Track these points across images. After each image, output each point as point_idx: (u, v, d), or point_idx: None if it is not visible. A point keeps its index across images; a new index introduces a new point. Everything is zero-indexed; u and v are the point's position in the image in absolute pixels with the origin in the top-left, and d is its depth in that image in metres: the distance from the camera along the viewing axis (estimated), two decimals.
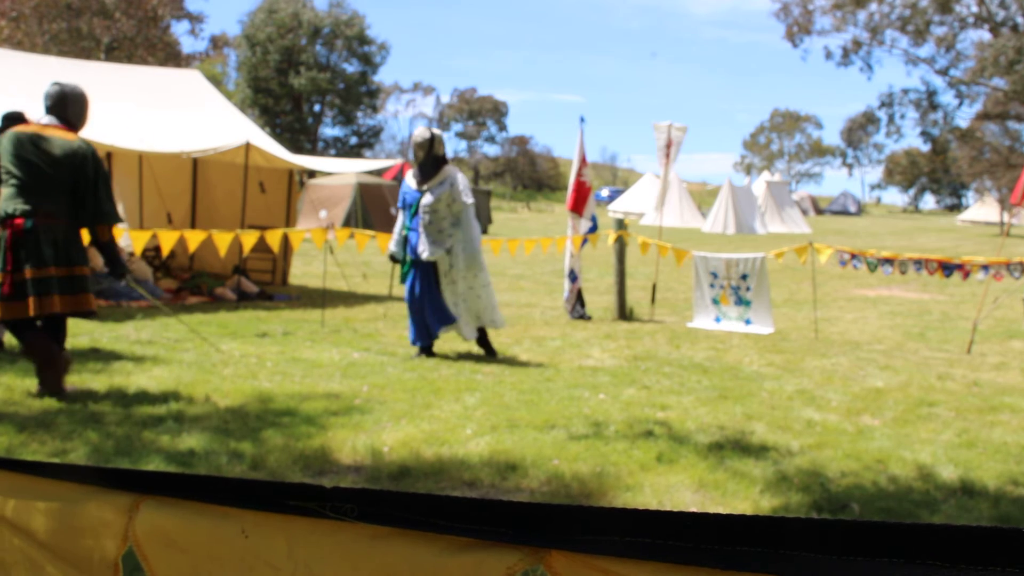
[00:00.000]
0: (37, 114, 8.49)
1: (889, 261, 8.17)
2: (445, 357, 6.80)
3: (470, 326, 6.74)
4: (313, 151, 50.91)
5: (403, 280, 6.79)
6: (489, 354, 6.89)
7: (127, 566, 0.95)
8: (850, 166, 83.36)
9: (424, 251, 6.52)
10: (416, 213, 6.58)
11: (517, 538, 0.73)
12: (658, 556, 0.68)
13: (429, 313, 6.63)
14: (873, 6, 35.29)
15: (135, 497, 0.90)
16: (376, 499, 0.77)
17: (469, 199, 6.55)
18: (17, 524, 0.96)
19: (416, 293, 6.64)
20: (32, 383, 5.33)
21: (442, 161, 6.57)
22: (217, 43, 52.55)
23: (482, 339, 6.89)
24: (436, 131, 6.61)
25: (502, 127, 77.80)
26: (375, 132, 58.17)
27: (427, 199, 6.47)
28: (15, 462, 0.96)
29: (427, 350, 6.75)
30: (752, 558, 0.65)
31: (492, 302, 6.78)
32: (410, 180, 6.67)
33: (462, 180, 6.57)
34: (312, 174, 24.27)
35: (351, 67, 54.75)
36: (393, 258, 6.95)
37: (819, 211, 55.53)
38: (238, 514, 0.85)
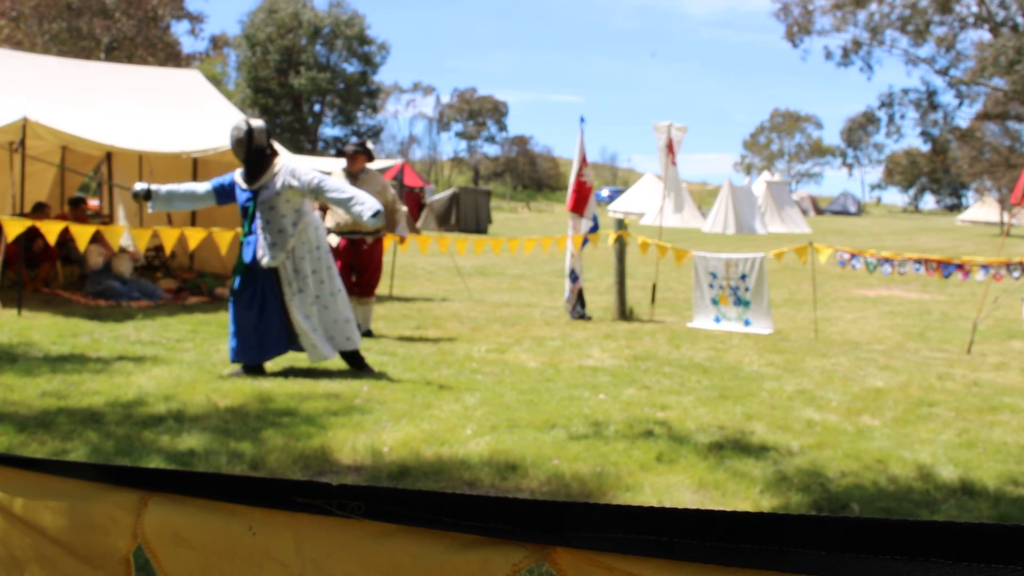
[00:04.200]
0: (35, 115, 8.52)
1: (889, 261, 8.17)
2: (444, 358, 6.80)
3: (327, 344, 5.97)
4: (313, 151, 50.91)
5: (234, 292, 5.91)
6: (360, 368, 6.14)
7: (137, 562, 0.96)
8: (850, 166, 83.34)
9: (264, 256, 5.76)
10: (254, 216, 5.82)
11: (522, 535, 0.73)
12: (662, 553, 0.68)
13: (262, 334, 5.84)
14: (873, 6, 35.32)
15: (143, 494, 0.90)
16: (383, 496, 0.77)
17: (315, 172, 5.84)
18: (28, 521, 0.96)
19: (253, 308, 5.81)
20: (33, 383, 5.34)
21: (267, 154, 5.85)
22: (217, 43, 52.57)
23: (350, 356, 6.16)
24: (255, 122, 5.88)
25: (502, 127, 77.81)
26: (375, 132, 58.23)
27: (263, 196, 5.77)
28: (24, 460, 0.97)
29: (257, 368, 5.94)
30: (756, 555, 0.66)
31: (343, 315, 6.04)
32: (240, 179, 5.91)
33: (296, 162, 5.86)
34: None
35: (351, 67, 54.82)
36: (147, 194, 5.89)
37: (819, 211, 55.54)
38: (245, 511, 0.85)
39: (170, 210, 6.10)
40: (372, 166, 7.93)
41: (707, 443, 4.50)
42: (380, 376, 5.99)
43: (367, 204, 5.63)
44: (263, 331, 5.85)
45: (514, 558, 0.73)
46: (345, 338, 6.04)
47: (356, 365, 6.16)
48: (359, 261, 7.62)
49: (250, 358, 5.88)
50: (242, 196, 5.92)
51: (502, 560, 0.73)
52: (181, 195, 6.01)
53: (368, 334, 7.66)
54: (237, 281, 5.90)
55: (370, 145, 7.84)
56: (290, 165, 5.87)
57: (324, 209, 7.63)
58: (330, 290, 5.99)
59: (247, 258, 5.86)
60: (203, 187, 6.04)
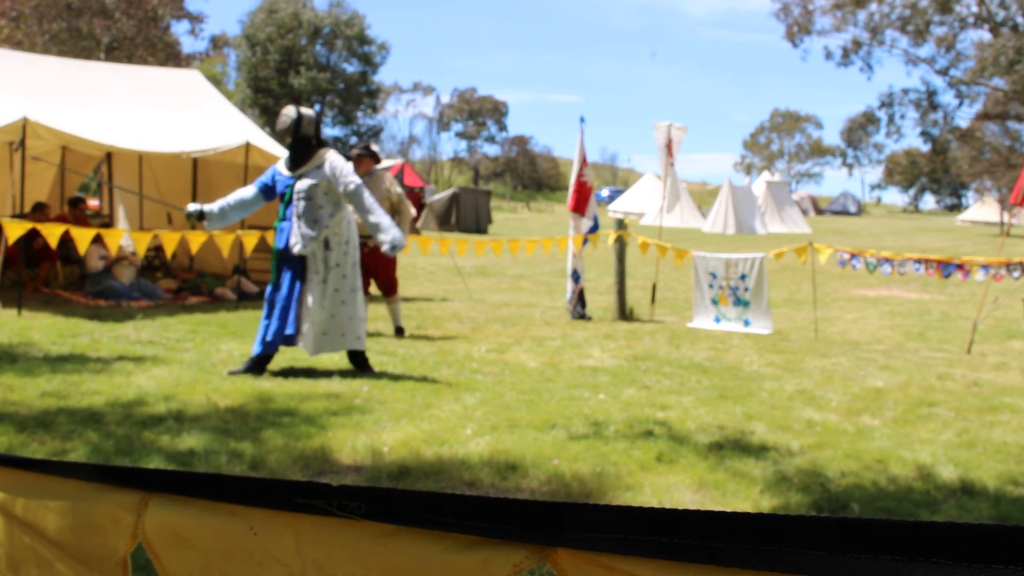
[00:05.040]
0: (35, 115, 8.52)
1: (889, 261, 8.17)
2: (444, 357, 6.80)
3: (325, 337, 5.92)
4: None
5: (274, 280, 5.97)
6: (363, 369, 6.12)
7: (134, 563, 0.96)
8: (850, 166, 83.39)
9: (296, 243, 5.80)
10: (291, 202, 5.87)
11: (523, 536, 0.73)
12: (662, 553, 0.68)
13: (280, 318, 5.86)
14: (873, 6, 35.32)
15: (144, 495, 0.90)
16: (383, 497, 0.77)
17: (356, 178, 5.83)
18: (27, 522, 0.96)
19: (283, 293, 5.88)
20: (33, 383, 5.34)
21: (314, 143, 5.90)
22: (217, 43, 52.61)
23: (355, 356, 6.14)
24: (305, 110, 5.93)
25: (502, 127, 77.86)
26: (375, 132, 58.25)
27: (302, 184, 5.80)
28: (24, 460, 0.97)
29: (264, 362, 5.93)
30: (756, 555, 0.66)
31: (359, 313, 6.01)
32: (281, 167, 6.00)
33: (342, 161, 5.90)
34: None
35: (351, 67, 54.83)
36: (200, 215, 5.96)
37: (819, 211, 55.55)
38: (246, 512, 0.85)
39: (225, 224, 6.13)
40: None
41: (707, 443, 4.50)
42: (380, 376, 5.99)
43: (390, 235, 5.70)
44: (279, 318, 5.88)
45: (515, 559, 0.73)
46: (356, 336, 6.01)
47: (360, 365, 6.15)
48: (366, 262, 7.67)
49: (280, 340, 5.89)
50: (282, 182, 5.94)
51: (503, 561, 0.73)
52: (233, 206, 6.04)
53: (399, 331, 7.89)
54: (274, 272, 5.97)
55: (375, 147, 7.90)
56: (336, 161, 5.88)
57: None
58: (351, 286, 5.97)
59: (279, 244, 5.92)
60: (250, 191, 6.06)
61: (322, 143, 5.98)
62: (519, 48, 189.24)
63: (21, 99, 9.35)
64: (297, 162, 5.91)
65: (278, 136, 5.99)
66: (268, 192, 6.06)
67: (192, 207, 6.04)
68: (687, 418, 5.03)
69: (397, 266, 8.00)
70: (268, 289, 6.02)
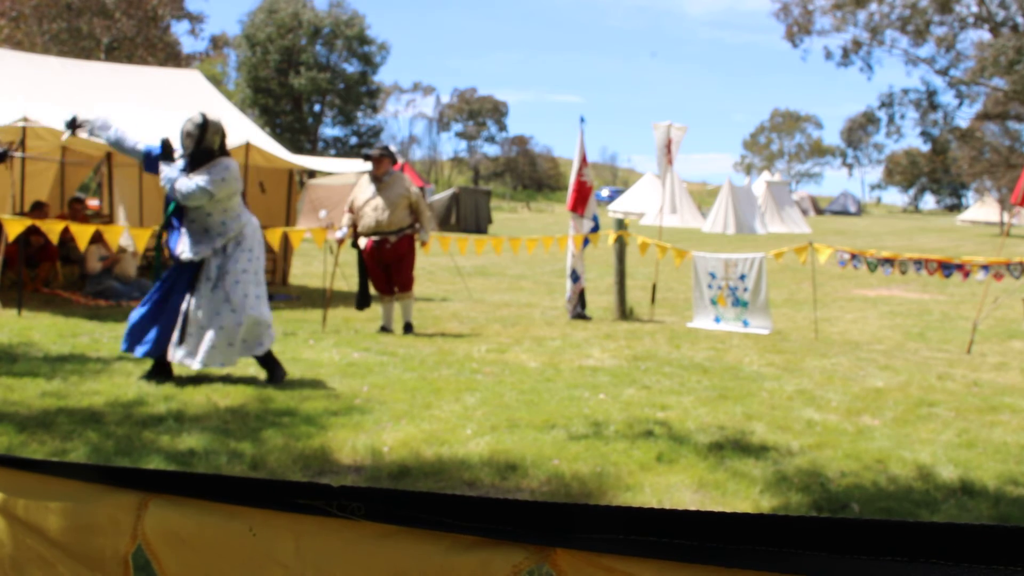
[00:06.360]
0: (35, 115, 8.51)
1: (889, 261, 8.17)
2: (445, 356, 6.80)
3: (230, 348, 5.54)
4: (313, 151, 50.90)
5: (160, 278, 5.65)
6: (273, 372, 5.76)
7: (134, 564, 0.96)
8: (850, 166, 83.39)
9: (184, 251, 5.47)
10: (180, 210, 5.53)
11: (523, 536, 0.73)
12: (662, 554, 0.68)
13: (162, 327, 5.51)
14: (873, 6, 35.31)
15: (143, 496, 0.90)
16: (383, 498, 0.77)
17: (207, 183, 5.38)
18: (28, 523, 0.96)
19: (170, 300, 5.52)
20: (33, 383, 5.34)
21: (217, 154, 5.55)
22: (217, 43, 52.61)
23: (263, 360, 5.78)
24: (213, 118, 5.58)
25: (502, 127, 77.82)
26: (375, 132, 58.20)
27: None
28: (25, 461, 0.97)
29: (163, 368, 5.62)
30: (756, 556, 0.66)
31: (265, 319, 5.67)
32: (174, 170, 5.61)
33: (224, 167, 5.49)
34: (312, 174, 24.27)
35: (351, 67, 54.81)
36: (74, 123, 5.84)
37: (819, 211, 55.54)
38: (246, 513, 0.85)
39: (119, 151, 5.90)
40: (372, 166, 7.94)
41: (707, 443, 4.50)
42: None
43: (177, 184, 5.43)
44: (161, 327, 5.53)
45: (515, 559, 0.73)
46: (257, 343, 5.67)
47: (269, 369, 5.79)
48: (385, 259, 7.86)
49: (138, 349, 5.55)
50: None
51: (503, 561, 0.73)
52: (127, 148, 5.81)
53: (408, 327, 8.02)
54: (161, 273, 5.76)
55: (393, 149, 8.00)
56: (226, 162, 5.56)
57: (352, 211, 7.88)
58: (256, 293, 5.64)
59: (169, 248, 5.61)
60: (141, 147, 5.75)
61: (225, 154, 5.63)
62: (519, 48, 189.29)
63: (20, 99, 9.35)
64: (195, 169, 5.52)
65: (180, 137, 5.62)
66: (149, 161, 5.70)
67: (71, 115, 5.90)
68: (687, 418, 5.03)
69: (413, 263, 8.12)
70: (156, 285, 5.64)
